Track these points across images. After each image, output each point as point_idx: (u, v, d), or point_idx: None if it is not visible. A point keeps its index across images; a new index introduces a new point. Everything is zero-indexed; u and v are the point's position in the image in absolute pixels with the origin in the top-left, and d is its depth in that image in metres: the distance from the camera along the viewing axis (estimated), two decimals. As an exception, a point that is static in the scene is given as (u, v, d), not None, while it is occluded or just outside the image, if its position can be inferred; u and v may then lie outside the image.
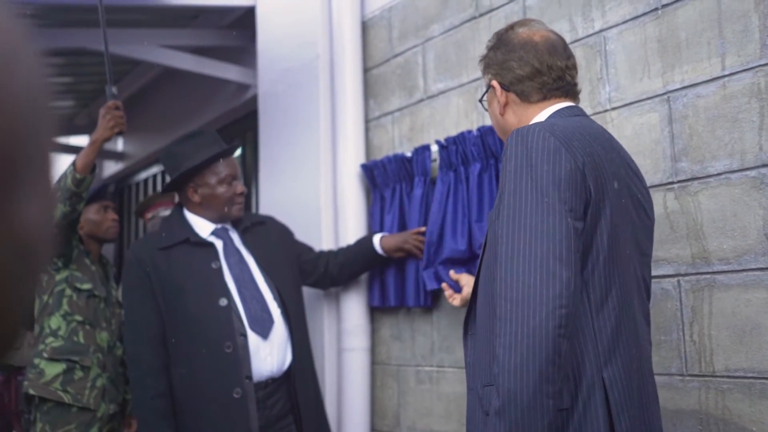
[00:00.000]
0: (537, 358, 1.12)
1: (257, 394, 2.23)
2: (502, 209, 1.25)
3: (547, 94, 1.48)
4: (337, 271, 2.56)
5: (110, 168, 5.60)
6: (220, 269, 2.28)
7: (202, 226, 2.36)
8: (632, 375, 1.26)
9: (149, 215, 3.27)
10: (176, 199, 3.05)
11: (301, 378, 2.34)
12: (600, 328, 1.24)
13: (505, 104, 1.51)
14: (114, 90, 2.45)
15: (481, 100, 1.63)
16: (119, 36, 3.33)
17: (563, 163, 1.22)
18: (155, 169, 5.16)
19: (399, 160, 2.58)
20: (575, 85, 1.52)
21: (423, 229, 2.45)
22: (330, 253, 2.60)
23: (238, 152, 4.26)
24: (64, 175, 2.43)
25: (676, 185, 1.82)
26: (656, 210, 1.83)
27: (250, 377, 2.20)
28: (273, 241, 2.49)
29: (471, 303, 1.50)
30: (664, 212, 1.84)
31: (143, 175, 5.33)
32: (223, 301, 2.22)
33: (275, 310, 2.32)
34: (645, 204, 1.44)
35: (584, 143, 1.30)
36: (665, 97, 1.87)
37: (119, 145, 5.48)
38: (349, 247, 2.60)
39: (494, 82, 1.51)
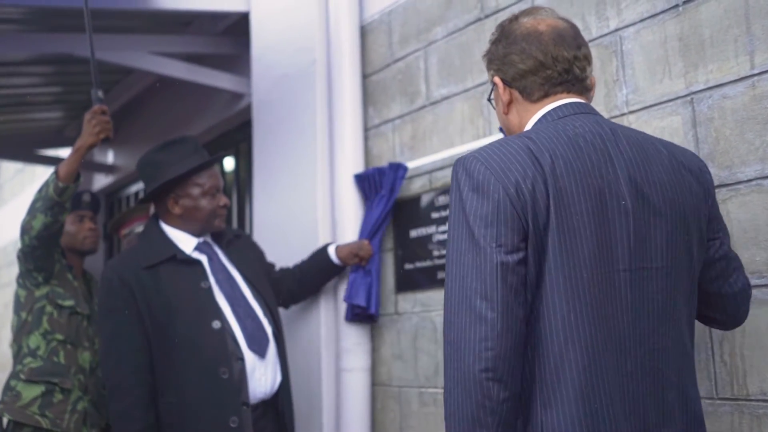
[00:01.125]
0: (467, 403, 1.10)
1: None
2: (446, 246, 1.22)
3: (549, 90, 1.33)
4: (297, 287, 2.49)
5: (100, 181, 5.45)
6: (210, 289, 2.13)
7: (185, 241, 2.22)
8: (586, 418, 1.12)
9: (125, 231, 3.13)
10: (151, 211, 2.92)
11: (286, 399, 2.21)
12: (542, 369, 1.15)
13: (509, 102, 1.38)
14: (100, 94, 2.32)
15: (489, 99, 1.49)
16: (108, 42, 3.20)
17: (490, 194, 1.15)
18: (146, 182, 5.01)
19: (375, 172, 2.53)
20: (585, 78, 1.36)
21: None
22: (288, 270, 2.51)
23: (229, 166, 4.13)
24: (46, 184, 2.29)
25: (701, 193, 1.69)
26: (680, 219, 1.70)
27: (247, 404, 2.05)
28: (251, 257, 2.40)
29: None
30: (689, 222, 1.70)
31: (134, 188, 5.18)
32: (216, 324, 2.07)
33: (268, 327, 2.19)
34: (668, 208, 1.23)
35: (527, 164, 1.17)
36: (688, 98, 1.74)
37: (109, 157, 5.33)
38: (304, 262, 2.53)
39: (496, 79, 1.38)
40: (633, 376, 1.16)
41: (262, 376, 2.12)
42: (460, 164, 1.20)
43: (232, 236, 2.38)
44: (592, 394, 1.13)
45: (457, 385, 1.10)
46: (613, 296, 1.17)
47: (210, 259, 2.21)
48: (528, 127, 1.34)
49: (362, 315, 2.53)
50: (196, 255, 2.20)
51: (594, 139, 1.23)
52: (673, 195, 1.24)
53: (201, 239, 2.24)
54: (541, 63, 1.32)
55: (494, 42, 1.41)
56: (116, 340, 2.05)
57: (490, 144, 1.22)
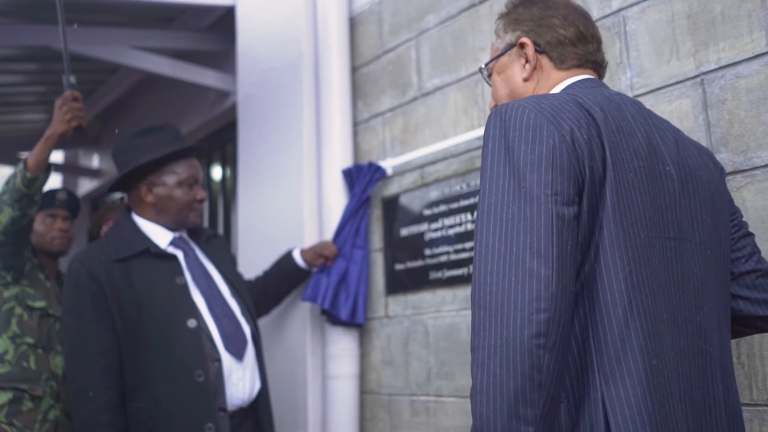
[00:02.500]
0: (512, 375, 0.91)
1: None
2: (478, 201, 1.04)
3: (584, 64, 1.26)
4: (263, 298, 2.37)
5: (85, 186, 5.31)
6: (185, 285, 1.99)
7: (159, 235, 2.06)
8: (641, 395, 0.97)
9: (104, 229, 2.99)
10: None
11: (266, 407, 2.06)
12: (602, 339, 1.00)
13: (534, 68, 1.25)
14: (72, 79, 2.18)
15: (486, 65, 1.34)
16: (88, 35, 3.07)
17: (545, 139, 1.01)
18: (132, 187, 4.87)
19: (354, 170, 2.45)
20: (605, 64, 1.31)
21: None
22: (252, 281, 2.39)
23: (216, 167, 3.99)
24: (14, 175, 2.15)
25: (714, 180, 1.56)
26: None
27: (224, 409, 1.90)
28: (229, 259, 2.28)
29: None
30: (701, 212, 1.57)
31: (119, 193, 5.04)
32: (192, 323, 1.92)
33: (246, 328, 2.05)
34: (699, 183, 1.18)
35: (580, 115, 1.06)
36: (698, 79, 1.62)
37: (94, 161, 5.20)
38: (268, 270, 2.42)
39: (526, 39, 1.25)
40: (685, 353, 1.05)
41: (239, 381, 1.97)
42: (503, 111, 1.05)
43: (211, 234, 2.25)
44: (656, 367, 0.99)
45: (494, 355, 0.92)
46: (665, 264, 1.06)
47: (186, 255, 2.07)
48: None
49: (333, 318, 2.39)
50: (171, 250, 2.06)
51: (633, 106, 1.16)
52: (701, 171, 1.18)
53: (176, 234, 2.09)
54: (582, 35, 1.25)
55: (520, 4, 1.30)
56: (82, 339, 1.89)
57: (531, 96, 1.09)
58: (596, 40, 1.27)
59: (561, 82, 1.24)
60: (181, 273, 2.00)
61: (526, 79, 1.25)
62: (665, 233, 1.08)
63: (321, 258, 2.37)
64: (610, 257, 1.00)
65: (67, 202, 2.73)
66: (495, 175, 1.01)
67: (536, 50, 1.25)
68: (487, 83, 1.37)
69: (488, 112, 2.11)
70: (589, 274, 1.00)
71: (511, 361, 0.90)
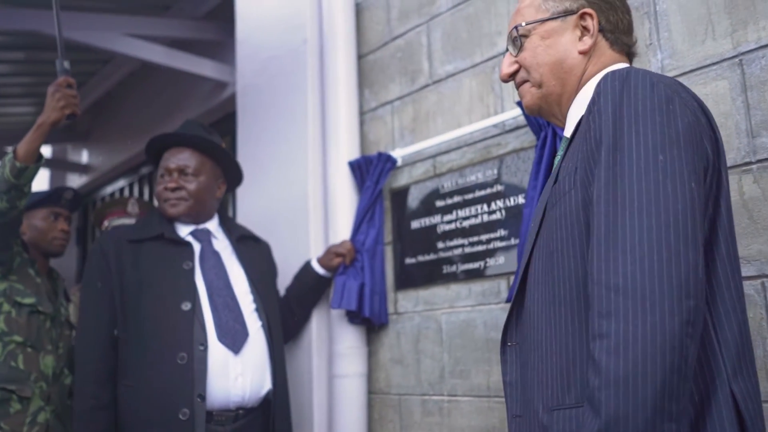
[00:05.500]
0: (659, 365, 0.81)
1: (225, 427, 1.85)
2: (599, 172, 0.94)
3: (627, 55, 1.23)
4: (290, 316, 2.29)
5: (74, 181, 5.16)
6: (191, 270, 1.96)
7: (181, 225, 2.11)
8: (758, 391, 0.95)
9: (104, 225, 2.88)
10: (128, 208, 2.76)
11: (280, 412, 1.96)
12: (724, 329, 0.93)
13: (593, 45, 1.17)
14: (66, 65, 2.06)
15: (529, 23, 1.20)
16: (81, 21, 2.95)
17: (679, 115, 0.94)
18: (123, 182, 4.74)
19: (363, 162, 2.35)
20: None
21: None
22: (283, 301, 2.31)
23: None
24: (2, 165, 2.03)
25: (754, 166, 1.48)
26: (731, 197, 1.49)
27: (203, 397, 1.82)
28: (265, 266, 2.24)
29: (514, 305, 1.14)
30: (740, 199, 1.49)
31: (109, 189, 4.91)
32: (186, 305, 1.89)
33: (253, 324, 1.97)
34: None
35: (689, 97, 1.02)
36: (736, 60, 1.54)
37: (83, 156, 5.05)
38: (291, 287, 2.33)
39: (592, 11, 1.17)
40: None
41: (238, 376, 1.89)
42: (627, 77, 0.97)
43: (249, 235, 2.25)
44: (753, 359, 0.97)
45: (636, 342, 0.81)
46: (737, 262, 1.01)
47: (202, 246, 2.07)
48: (594, 81, 1.15)
49: (358, 318, 2.29)
50: (189, 238, 2.07)
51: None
52: None
53: (196, 226, 2.11)
54: (631, 26, 1.23)
55: None
56: (86, 314, 1.96)
57: (643, 70, 1.01)
58: (632, 32, 1.25)
59: (610, 65, 1.17)
60: (190, 259, 1.99)
61: (583, 53, 1.17)
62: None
63: (338, 257, 2.26)
64: (723, 247, 0.95)
65: (72, 202, 2.62)
66: (618, 145, 0.93)
67: (599, 28, 1.18)
68: (512, 45, 1.23)
69: (501, 96, 2.02)
70: (710, 261, 0.95)
71: (659, 349, 0.81)
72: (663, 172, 0.89)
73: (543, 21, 1.19)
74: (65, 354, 2.39)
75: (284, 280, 2.35)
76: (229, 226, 2.19)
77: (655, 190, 0.88)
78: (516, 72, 1.23)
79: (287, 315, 2.26)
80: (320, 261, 2.29)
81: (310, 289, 2.30)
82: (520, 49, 1.21)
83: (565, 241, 1.01)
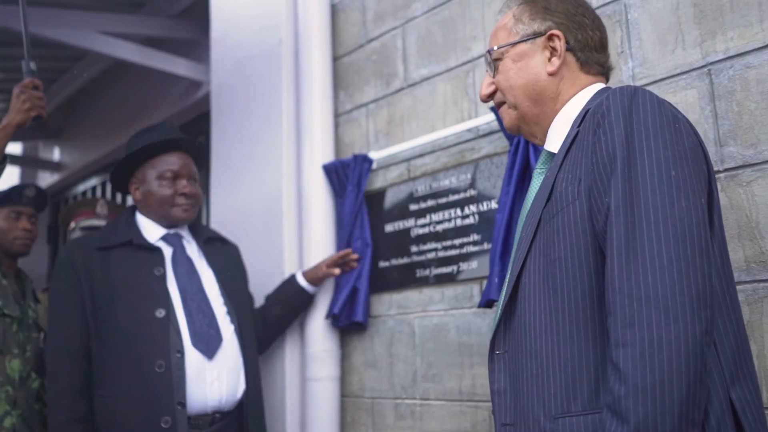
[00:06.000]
0: (683, 373, 0.85)
1: (202, 431, 1.85)
2: (615, 183, 0.96)
3: (600, 72, 1.25)
4: (263, 327, 2.21)
5: (45, 179, 5.08)
6: (163, 276, 1.94)
7: (151, 230, 2.05)
8: (760, 397, 0.98)
9: (71, 226, 2.83)
10: (98, 209, 2.73)
11: (254, 415, 1.95)
12: (722, 338, 0.97)
13: (561, 65, 1.20)
14: (32, 66, 2.02)
15: (500, 47, 1.24)
16: (52, 17, 2.90)
17: (684, 133, 0.99)
18: (95, 181, 4.67)
19: (339, 166, 2.33)
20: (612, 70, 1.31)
21: (345, 252, 2.24)
22: (257, 311, 2.24)
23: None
24: (-34, 166, 1.99)
25: (722, 174, 1.50)
26: (698, 205, 1.51)
27: (183, 404, 1.81)
28: (234, 268, 2.19)
29: (503, 314, 1.14)
30: (708, 207, 1.51)
31: (81, 187, 4.84)
32: (161, 312, 1.87)
33: (226, 329, 1.95)
34: None
35: (684, 118, 1.06)
36: (705, 70, 1.56)
37: (55, 154, 4.97)
38: (270, 295, 2.27)
39: (559, 33, 1.19)
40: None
41: (214, 381, 1.88)
42: (635, 95, 1.00)
43: (215, 237, 2.20)
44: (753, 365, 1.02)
45: (662, 351, 0.85)
46: (730, 272, 1.06)
47: (175, 251, 2.03)
48: (577, 100, 1.18)
49: (346, 321, 2.27)
50: (160, 244, 2.03)
51: None
52: None
53: (171, 230, 2.06)
54: (604, 42, 1.25)
55: None
56: (57, 324, 1.93)
57: (642, 88, 1.05)
58: (606, 49, 1.27)
59: (588, 86, 1.20)
60: (161, 264, 1.97)
61: (552, 74, 1.19)
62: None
63: (344, 266, 2.23)
64: (720, 260, 0.99)
65: (36, 199, 2.55)
66: (632, 158, 0.96)
67: (567, 47, 1.20)
68: (489, 66, 1.28)
69: (477, 101, 2.03)
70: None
71: (683, 357, 0.84)
72: (677, 186, 0.93)
73: (514, 44, 1.22)
74: (33, 357, 2.35)
75: (257, 282, 2.34)
76: (196, 228, 2.16)
77: (670, 203, 0.92)
78: (494, 93, 1.28)
79: (259, 325, 2.19)
80: (306, 275, 2.24)
81: (287, 300, 2.24)
82: (495, 71, 1.25)
83: (569, 251, 1.02)
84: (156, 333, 1.84)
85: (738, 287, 1.45)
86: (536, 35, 1.21)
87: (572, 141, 1.10)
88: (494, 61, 1.26)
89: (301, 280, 2.24)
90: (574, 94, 1.19)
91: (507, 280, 1.15)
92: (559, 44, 1.19)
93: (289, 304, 2.25)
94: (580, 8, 1.21)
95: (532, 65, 1.20)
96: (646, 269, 0.89)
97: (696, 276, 0.88)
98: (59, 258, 2.01)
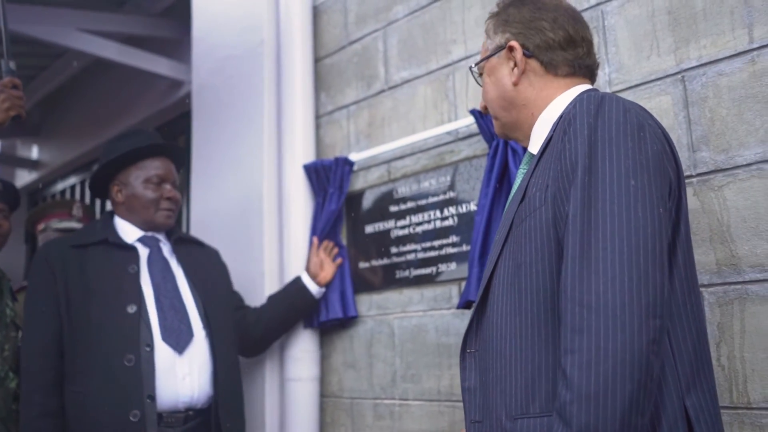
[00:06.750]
0: (627, 381, 0.86)
1: (175, 429, 1.86)
2: (575, 192, 0.98)
3: (577, 71, 1.24)
4: (261, 332, 2.18)
5: (23, 178, 5.03)
6: (137, 274, 1.96)
7: (128, 231, 2.08)
8: (716, 406, 1.00)
9: (41, 226, 2.79)
10: (74, 210, 2.72)
11: (230, 415, 1.95)
12: (680, 346, 0.99)
13: (523, 72, 1.23)
14: (12, 65, 2.01)
15: (476, 64, 1.33)
16: (31, 14, 2.88)
17: (649, 141, 1.00)
18: (74, 179, 4.63)
19: (320, 166, 2.35)
20: (597, 66, 1.30)
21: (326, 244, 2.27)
22: (254, 309, 2.23)
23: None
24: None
25: (695, 179, 1.53)
26: (671, 209, 1.54)
27: (152, 397, 1.82)
28: (209, 268, 2.18)
29: (475, 313, 1.17)
30: (681, 211, 1.54)
31: (60, 185, 4.79)
32: (132, 308, 1.90)
33: (197, 325, 1.97)
34: None
35: (655, 124, 1.08)
36: (679, 76, 1.59)
37: (33, 152, 4.92)
38: (273, 295, 2.25)
39: (515, 43, 1.22)
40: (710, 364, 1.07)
41: (186, 376, 1.89)
42: (601, 103, 1.01)
43: (192, 240, 2.22)
44: (711, 373, 1.04)
45: (607, 359, 0.86)
46: (694, 280, 1.08)
47: (151, 251, 2.05)
48: (557, 103, 1.19)
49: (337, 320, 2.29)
50: (135, 244, 2.05)
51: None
52: None
53: (148, 233, 2.08)
54: (572, 39, 1.23)
55: (512, 5, 1.27)
56: (32, 321, 1.93)
57: (615, 95, 1.06)
58: (586, 42, 1.26)
59: (568, 90, 1.22)
60: (135, 262, 1.99)
61: (515, 83, 1.23)
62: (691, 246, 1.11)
63: (328, 268, 2.24)
64: (683, 269, 1.01)
65: (4, 194, 2.52)
66: (593, 167, 0.97)
67: (525, 54, 1.22)
68: (478, 83, 1.35)
69: (455, 103, 2.05)
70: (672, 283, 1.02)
71: (627, 366, 0.85)
72: (634, 196, 0.93)
73: (487, 59, 1.28)
74: (11, 356, 2.32)
75: (237, 282, 2.34)
76: (173, 231, 2.17)
77: (627, 213, 0.92)
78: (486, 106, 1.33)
79: (251, 324, 2.18)
80: (310, 272, 2.22)
81: (295, 308, 2.21)
82: (481, 85, 1.32)
83: (534, 255, 1.04)
84: (126, 328, 1.86)
85: (709, 289, 1.48)
86: (499, 48, 1.25)
87: (546, 144, 1.12)
88: (479, 77, 1.34)
89: (307, 281, 2.22)
90: (550, 97, 1.21)
91: (470, 279, 1.18)
92: (517, 54, 1.22)
93: (291, 305, 2.21)
94: (539, 12, 1.23)
95: (500, 77, 1.25)
96: (598, 278, 0.90)
97: (647, 286, 0.89)
98: (36, 256, 2.02)
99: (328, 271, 2.24)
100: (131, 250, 2.01)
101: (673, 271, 1.01)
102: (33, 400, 1.85)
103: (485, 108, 1.34)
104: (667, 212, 0.97)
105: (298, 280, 2.24)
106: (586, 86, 1.24)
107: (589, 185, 0.96)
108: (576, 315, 0.90)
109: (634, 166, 0.95)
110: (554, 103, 1.21)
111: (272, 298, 2.25)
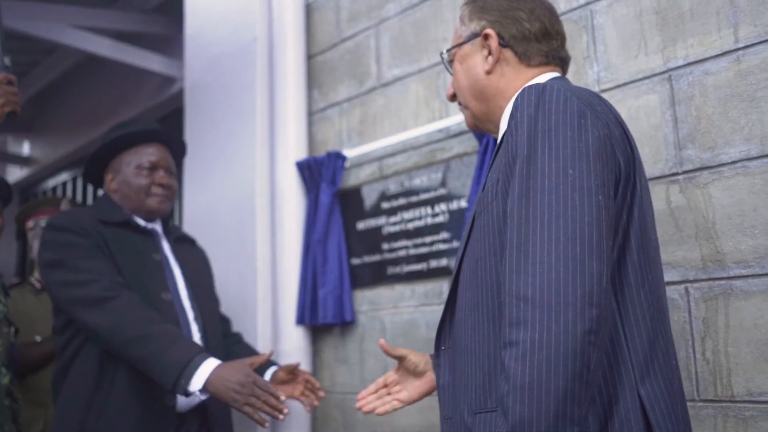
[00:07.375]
0: (561, 372, 0.85)
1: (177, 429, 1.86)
2: (514, 184, 0.98)
3: (550, 61, 1.24)
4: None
5: (14, 174, 5.02)
6: (161, 263, 1.98)
7: (136, 220, 2.05)
8: (674, 393, 1.00)
9: (30, 224, 2.79)
10: (62, 206, 2.70)
11: (218, 414, 1.96)
12: (634, 334, 0.98)
13: (497, 61, 1.22)
14: (6, 61, 2.01)
15: (448, 51, 1.31)
16: (24, 9, 2.87)
17: (590, 128, 0.97)
18: (65, 176, 4.63)
19: (313, 163, 2.35)
20: (570, 59, 1.30)
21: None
22: (230, 331, 2.20)
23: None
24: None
25: (681, 176, 1.56)
26: (658, 206, 1.57)
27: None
28: (203, 270, 2.19)
29: (446, 310, 1.19)
30: (667, 208, 1.57)
31: (51, 182, 4.79)
32: (167, 296, 1.92)
33: (194, 325, 1.96)
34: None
35: (606, 109, 1.06)
36: (666, 75, 1.61)
37: (25, 148, 4.91)
38: (240, 347, 2.15)
39: (491, 31, 1.21)
40: (669, 351, 1.05)
41: None
42: (543, 92, 1.00)
43: (185, 238, 2.20)
44: (674, 364, 1.03)
45: (541, 350, 0.85)
46: (656, 271, 1.06)
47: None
48: None
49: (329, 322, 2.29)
50: (150, 227, 2.04)
51: (613, 108, 1.13)
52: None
53: (148, 225, 2.05)
54: (547, 31, 1.22)
55: None
56: (89, 267, 1.81)
57: (561, 82, 1.06)
58: (560, 36, 1.26)
59: (534, 78, 1.22)
60: (158, 251, 2.00)
61: (488, 72, 1.22)
62: (652, 239, 1.08)
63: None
64: (636, 256, 1.00)
65: None
66: (532, 158, 0.96)
67: (500, 43, 1.21)
68: (447, 70, 1.34)
69: (447, 101, 2.07)
70: (620, 272, 0.99)
71: (561, 357, 0.85)
72: (572, 185, 0.92)
73: (459, 46, 1.27)
74: (3, 352, 2.33)
75: (229, 279, 2.35)
76: (168, 227, 2.16)
77: (564, 203, 0.91)
78: (455, 93, 1.31)
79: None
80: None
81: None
82: (451, 72, 1.30)
83: (488, 249, 1.04)
84: (167, 313, 1.86)
85: (695, 285, 1.51)
86: (474, 36, 1.24)
87: (503, 137, 1.12)
88: (449, 63, 1.31)
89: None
90: (519, 88, 1.20)
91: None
92: (492, 42, 1.21)
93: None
94: (516, 2, 1.22)
95: (473, 65, 1.23)
96: (535, 270, 0.89)
97: (583, 276, 0.87)
98: (56, 228, 1.87)
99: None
100: (152, 235, 2.01)
101: (626, 257, 1.00)
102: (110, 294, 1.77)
103: (453, 96, 1.32)
104: (610, 198, 0.95)
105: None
106: (554, 74, 1.22)
107: (527, 177, 0.95)
108: (514, 308, 0.90)
109: (572, 154, 0.94)
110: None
111: (239, 345, 2.16)
